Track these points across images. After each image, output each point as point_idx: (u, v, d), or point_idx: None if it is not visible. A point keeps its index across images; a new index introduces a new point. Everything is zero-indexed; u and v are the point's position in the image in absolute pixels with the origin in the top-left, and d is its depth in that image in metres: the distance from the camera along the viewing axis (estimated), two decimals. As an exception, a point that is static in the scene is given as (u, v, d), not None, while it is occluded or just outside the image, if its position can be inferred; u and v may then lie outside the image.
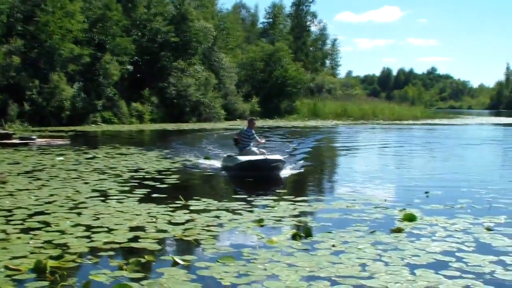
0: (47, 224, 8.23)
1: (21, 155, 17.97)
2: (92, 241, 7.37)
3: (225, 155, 15.88)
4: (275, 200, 10.58)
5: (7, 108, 31.38)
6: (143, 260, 6.55)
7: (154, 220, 8.68)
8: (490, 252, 7.13)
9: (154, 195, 10.98)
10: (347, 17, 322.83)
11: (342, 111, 57.80)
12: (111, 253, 6.88)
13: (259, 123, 42.57)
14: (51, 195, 10.69)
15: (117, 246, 7.19)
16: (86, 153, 18.84)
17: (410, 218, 8.99)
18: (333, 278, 6.01)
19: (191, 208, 9.72)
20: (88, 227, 8.08)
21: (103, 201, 10.18)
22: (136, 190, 11.48)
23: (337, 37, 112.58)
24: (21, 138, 22.52)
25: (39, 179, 12.75)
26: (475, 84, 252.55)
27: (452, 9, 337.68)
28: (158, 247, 7.19)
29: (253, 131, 15.55)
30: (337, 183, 14.53)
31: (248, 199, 10.73)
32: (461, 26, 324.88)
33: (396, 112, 61.73)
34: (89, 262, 6.51)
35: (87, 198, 10.44)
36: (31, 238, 7.44)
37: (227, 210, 9.60)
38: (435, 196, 11.47)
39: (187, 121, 41.70)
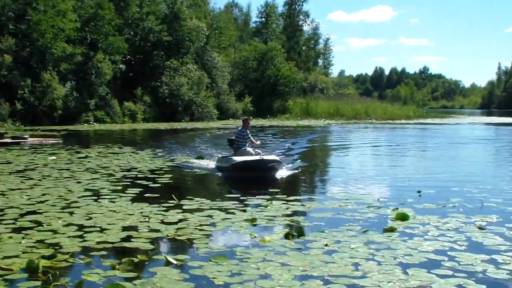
0: (39, 223, 8.20)
1: (13, 154, 17.90)
2: (85, 240, 7.35)
3: (219, 156, 15.63)
4: (268, 200, 10.58)
5: (-1, 107, 31.27)
6: (136, 260, 6.53)
7: (147, 219, 8.67)
8: (482, 251, 7.16)
9: (147, 194, 10.96)
10: (340, 17, 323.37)
11: (334, 110, 57.88)
12: (104, 252, 6.87)
13: (252, 122, 42.56)
14: (43, 194, 10.65)
15: (109, 245, 7.17)
16: (78, 152, 18.79)
17: (403, 217, 9.02)
18: (325, 278, 6.01)
19: (184, 207, 9.71)
20: (81, 227, 8.05)
21: (95, 200, 10.15)
22: (129, 189, 11.46)
23: (329, 37, 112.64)
24: (13, 138, 22.45)
25: (31, 178, 12.70)
26: (467, 83, 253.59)
27: (444, 9, 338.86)
28: (151, 246, 7.18)
29: (248, 131, 15.25)
30: (330, 183, 14.56)
31: (241, 198, 10.73)
32: (453, 26, 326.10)
33: (388, 111, 61.88)
34: (82, 261, 6.49)
35: (79, 197, 10.41)
36: (23, 238, 7.41)
37: (220, 209, 9.59)
38: (428, 196, 11.50)
39: (179, 121, 41.63)
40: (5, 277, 5.90)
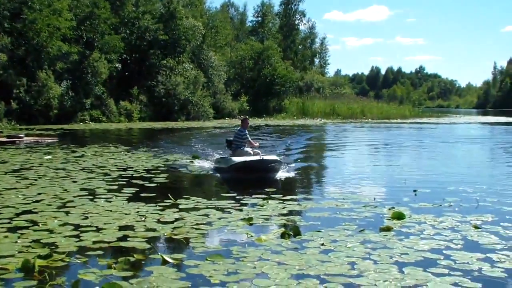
0: (35, 223, 8.19)
1: (9, 153, 17.85)
2: (81, 240, 7.34)
3: (217, 157, 15.42)
4: (264, 199, 10.59)
5: (-6, 106, 31.17)
6: (132, 259, 6.53)
7: (143, 219, 8.67)
8: (477, 250, 7.18)
9: (143, 194, 10.95)
10: (336, 16, 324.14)
11: (330, 110, 57.88)
12: (100, 252, 6.86)
13: (249, 122, 42.52)
14: (39, 193, 10.63)
15: (106, 245, 7.17)
16: (74, 151, 18.75)
17: (399, 216, 9.04)
18: (322, 277, 6.03)
19: (180, 206, 9.71)
20: (77, 226, 8.05)
21: (91, 200, 10.14)
22: (125, 189, 11.45)
23: (325, 36, 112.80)
24: (8, 137, 22.38)
25: (26, 178, 12.67)
26: (462, 83, 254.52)
27: (440, 9, 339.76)
28: (147, 246, 7.17)
29: (246, 131, 15.00)
30: (326, 182, 14.57)
31: (237, 197, 10.74)
32: (449, 26, 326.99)
33: (384, 111, 61.91)
34: (78, 261, 6.48)
35: (75, 197, 10.40)
36: (19, 237, 7.40)
37: (216, 208, 9.60)
38: (423, 195, 11.53)
39: (175, 120, 41.58)
40: (1, 276, 5.89)
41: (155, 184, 12.32)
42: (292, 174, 14.56)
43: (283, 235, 7.72)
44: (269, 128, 37.66)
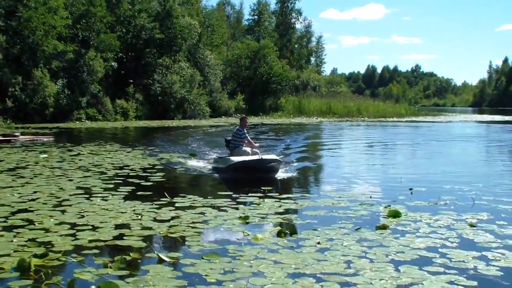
0: (31, 222, 8.17)
1: (4, 152, 17.81)
2: (77, 239, 7.33)
3: (215, 156, 15.21)
4: (260, 197, 10.59)
5: (-10, 105, 31.10)
6: (128, 258, 6.52)
7: (139, 217, 8.66)
8: (473, 248, 7.20)
9: (139, 192, 10.94)
10: (332, 15, 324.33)
11: (327, 108, 57.88)
12: (96, 251, 6.86)
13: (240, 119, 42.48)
14: (35, 192, 10.61)
15: (102, 244, 7.16)
16: (70, 150, 18.72)
17: (395, 214, 9.06)
18: (318, 275, 6.03)
19: (177, 205, 9.71)
20: (73, 225, 8.04)
21: (87, 198, 10.12)
22: (121, 187, 11.44)
23: (322, 35, 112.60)
24: (4, 135, 22.33)
25: (22, 176, 12.64)
26: (458, 82, 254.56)
27: (436, 8, 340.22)
28: (144, 244, 7.17)
29: (245, 130, 14.77)
30: (323, 181, 14.58)
31: (234, 196, 10.74)
32: (445, 25, 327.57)
33: (380, 109, 61.95)
34: (74, 260, 6.47)
35: (71, 195, 10.38)
36: (15, 236, 7.38)
37: (212, 207, 9.60)
38: (419, 193, 11.56)
39: (172, 118, 41.54)
40: (-3, 275, 5.88)
41: (151, 183, 12.31)
42: (292, 174, 14.39)
43: (279, 234, 7.72)
44: (265, 126, 37.62)
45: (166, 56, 43.87)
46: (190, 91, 43.17)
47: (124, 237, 7.47)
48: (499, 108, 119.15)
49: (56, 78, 35.05)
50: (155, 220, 8.52)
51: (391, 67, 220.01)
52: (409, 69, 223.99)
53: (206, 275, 5.98)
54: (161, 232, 7.82)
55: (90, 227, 7.94)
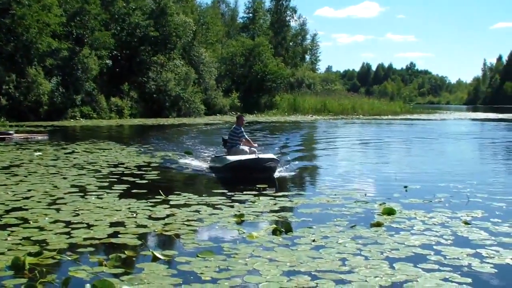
0: (25, 220, 8.14)
1: (-1, 150, 17.75)
2: (72, 237, 7.32)
3: (212, 155, 14.96)
4: (255, 195, 10.59)
5: (-16, 103, 30.97)
6: (123, 256, 6.51)
7: (134, 215, 8.65)
8: (467, 245, 7.22)
9: (134, 190, 10.92)
10: (327, 12, 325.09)
11: (321, 106, 57.93)
12: (91, 249, 6.84)
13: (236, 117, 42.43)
14: (29, 190, 10.58)
15: (97, 242, 7.15)
16: (64, 148, 18.67)
17: (390, 212, 9.08)
18: (313, 273, 6.04)
19: (171, 203, 9.70)
20: (68, 223, 8.01)
21: (82, 196, 10.10)
22: (116, 185, 11.42)
23: (316, 32, 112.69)
24: (-2, 133, 22.23)
25: (16, 174, 12.60)
26: (453, 79, 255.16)
27: (431, 6, 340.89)
28: (138, 242, 7.16)
29: (242, 129, 14.52)
30: (318, 178, 14.58)
31: (229, 194, 10.73)
32: (440, 23, 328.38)
33: (375, 107, 62.06)
34: (69, 258, 6.45)
35: (66, 193, 10.35)
36: (9, 235, 7.35)
37: (207, 205, 9.59)
38: (414, 191, 11.58)
39: (167, 116, 41.48)
40: (-9, 274, 5.87)
41: (146, 181, 12.29)
42: (288, 173, 14.18)
43: (274, 232, 7.72)
44: (259, 124, 37.61)
45: (160, 54, 43.79)
46: (185, 89, 43.11)
47: (119, 235, 7.46)
48: (493, 106, 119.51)
49: (50, 76, 34.94)
50: (150, 218, 8.50)
51: (386, 65, 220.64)
52: (404, 67, 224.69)
53: (201, 273, 5.98)
54: (156, 230, 7.81)
55: (85, 225, 7.93)
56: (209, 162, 14.97)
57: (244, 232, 7.75)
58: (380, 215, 9.02)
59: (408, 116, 57.36)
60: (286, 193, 11.04)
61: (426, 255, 6.77)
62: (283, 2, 79.12)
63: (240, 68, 54.73)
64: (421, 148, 23.49)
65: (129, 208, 9.14)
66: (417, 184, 12.38)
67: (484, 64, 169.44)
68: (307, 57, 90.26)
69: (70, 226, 7.87)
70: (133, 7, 43.30)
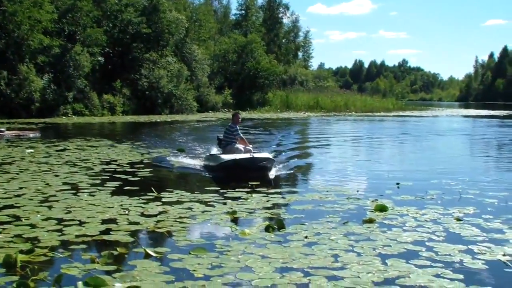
0: (17, 218, 8.12)
1: (-10, 147, 17.67)
2: (64, 234, 7.30)
3: (207, 154, 14.73)
4: (248, 192, 10.59)
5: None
6: (115, 253, 6.50)
7: (126, 212, 8.63)
8: (459, 242, 7.25)
9: (126, 187, 10.90)
10: (319, 9, 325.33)
11: (314, 103, 57.95)
12: (83, 246, 6.83)
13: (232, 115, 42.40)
14: (21, 188, 10.53)
15: (89, 239, 7.14)
16: (56, 145, 18.60)
17: (382, 208, 9.10)
18: (306, 269, 6.05)
19: (164, 200, 9.69)
20: (60, 221, 7.99)
21: (74, 194, 10.07)
22: (108, 182, 11.39)
23: (309, 29, 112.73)
24: (-11, 131, 22.13)
25: (8, 172, 12.55)
26: (445, 76, 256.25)
27: (423, 3, 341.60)
28: (131, 239, 7.15)
29: (238, 127, 14.25)
30: (310, 175, 14.59)
31: (221, 191, 10.72)
32: (432, 20, 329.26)
33: (368, 104, 62.14)
34: (61, 255, 6.44)
35: (58, 191, 10.32)
36: (0, 232, 7.32)
37: (199, 202, 9.59)
38: (406, 187, 11.61)
39: (159, 113, 41.39)
40: (-17, 271, 5.84)
41: (138, 178, 12.27)
42: (285, 172, 13.99)
43: (267, 229, 7.73)
44: (250, 121, 37.56)
45: (153, 51, 43.68)
46: (177, 86, 43.03)
47: (111, 232, 7.44)
48: (485, 102, 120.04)
49: (42, 73, 34.79)
50: (142, 215, 8.49)
51: (378, 62, 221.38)
52: (396, 64, 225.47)
53: (193, 270, 5.97)
54: (148, 227, 7.80)
55: (77, 223, 7.90)
56: (203, 160, 14.79)
57: (236, 229, 7.76)
58: (372, 211, 9.03)
59: (401, 113, 57.47)
60: (278, 190, 11.04)
61: (418, 252, 6.80)
62: (276, -1, 79.04)
63: (233, 65, 54.66)
64: (413, 145, 23.56)
65: (121, 205, 9.12)
66: (409, 181, 12.41)
67: (476, 61, 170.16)
68: (300, 54, 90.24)
69: (62, 223, 7.84)
70: (125, 4, 43.14)
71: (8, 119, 30.87)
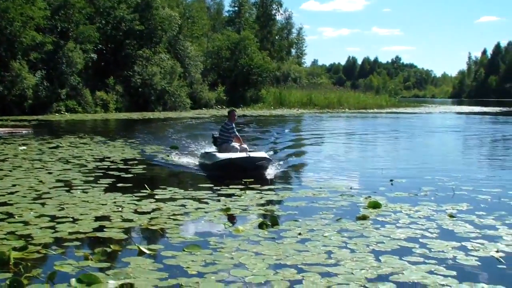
0: (10, 215, 8.08)
1: (-18, 145, 17.59)
2: (57, 231, 7.27)
3: (202, 152, 14.42)
4: (241, 189, 10.58)
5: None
6: (109, 250, 6.49)
7: (119, 209, 8.62)
8: (452, 238, 7.27)
9: (120, 184, 10.88)
10: (312, 6, 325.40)
11: (307, 100, 57.98)
12: (77, 243, 6.81)
13: (226, 112, 42.42)
14: (14, 185, 10.49)
15: (82, 236, 7.12)
16: (49, 142, 18.54)
17: (375, 205, 9.11)
18: (299, 266, 6.05)
19: (157, 197, 9.67)
20: (53, 218, 7.97)
21: (67, 191, 10.04)
22: (101, 179, 11.36)
23: (302, 26, 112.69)
24: (-19, 128, 22.03)
25: (1, 169, 12.50)
26: (438, 73, 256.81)
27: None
28: (124, 236, 7.14)
29: (234, 125, 13.86)
30: (304, 172, 14.59)
31: (215, 188, 10.72)
32: (425, 16, 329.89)
33: (361, 100, 62.22)
34: (54, 252, 6.42)
35: (51, 188, 10.29)
36: (-6, 229, 7.30)
37: (193, 199, 9.58)
38: (400, 184, 11.63)
39: (152, 110, 41.31)
40: (-25, 269, 5.82)
41: (131, 175, 12.25)
42: (281, 171, 13.78)
43: (260, 225, 7.72)
44: (243, 118, 37.55)
45: (146, 48, 43.55)
46: (170, 83, 42.95)
47: (105, 229, 7.43)
48: (478, 99, 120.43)
49: (35, 69, 34.64)
50: (135, 212, 8.47)
51: (372, 58, 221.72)
52: (389, 61, 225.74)
53: (187, 267, 5.97)
54: (142, 224, 7.78)
55: (70, 220, 7.88)
56: (198, 157, 14.54)
57: (230, 226, 7.76)
58: (365, 208, 9.05)
59: (394, 110, 57.59)
60: (272, 187, 11.05)
61: (411, 248, 6.81)
62: (269, -4, 78.92)
63: (226, 62, 54.59)
64: (407, 141, 23.62)
65: (114, 202, 9.10)
66: (402, 178, 12.43)
67: (469, 57, 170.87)
68: (293, 50, 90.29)
69: (55, 220, 7.82)
70: (118, 0, 42.98)
71: (0, 116, 30.72)
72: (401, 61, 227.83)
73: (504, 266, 6.27)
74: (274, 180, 12.39)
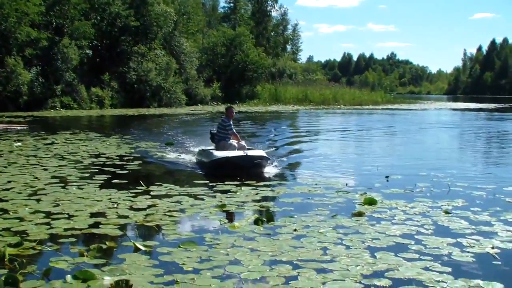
0: (5, 211, 8.07)
1: (-23, 141, 17.53)
2: (52, 228, 7.26)
3: (200, 149, 14.18)
4: (237, 185, 10.58)
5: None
6: (104, 246, 6.48)
7: (115, 205, 8.61)
8: (448, 235, 7.29)
9: (115, 181, 10.87)
10: (308, 2, 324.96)
11: (303, 96, 57.95)
12: (72, 239, 6.80)
13: (221, 108, 42.39)
14: (9, 181, 10.47)
15: (78, 232, 7.11)
16: (45, 138, 18.50)
17: (371, 202, 9.12)
18: (295, 262, 6.06)
19: (153, 193, 9.67)
20: (48, 214, 7.95)
21: (63, 187, 10.02)
22: (97, 176, 11.35)
23: (298, 22, 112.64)
24: (-24, 124, 21.96)
25: (-4, 165, 12.47)
26: (433, 69, 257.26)
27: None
28: (120, 233, 7.14)
29: (231, 122, 13.62)
30: (299, 168, 14.58)
31: (210, 184, 10.71)
32: (420, 13, 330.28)
33: (356, 97, 62.20)
34: (49, 249, 6.41)
35: (46, 184, 10.27)
36: (-11, 226, 7.28)
37: (189, 195, 9.57)
38: (395, 180, 11.64)
39: (148, 106, 41.22)
40: (-30, 265, 5.80)
41: (127, 171, 12.23)
42: (279, 169, 13.60)
43: (256, 222, 7.73)
44: (238, 114, 37.52)
45: (141, 44, 43.46)
46: (166, 79, 42.86)
47: (100, 226, 7.42)
48: (473, 96, 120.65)
49: (30, 66, 34.55)
50: (131, 208, 8.47)
51: (367, 55, 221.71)
52: (385, 57, 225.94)
53: (182, 264, 5.97)
54: (137, 221, 7.78)
55: (66, 216, 7.87)
56: (195, 155, 14.36)
57: (226, 222, 7.76)
58: (361, 205, 9.06)
59: (389, 106, 57.62)
60: (267, 183, 11.05)
61: (407, 245, 6.82)
62: (265, -8, 78.74)
63: (222, 58, 54.51)
64: (402, 138, 23.64)
65: (110, 199, 9.09)
66: (398, 174, 12.45)
67: (464, 54, 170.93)
68: (288, 47, 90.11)
69: (50, 216, 7.81)
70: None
71: (-5, 112, 30.63)
72: (397, 58, 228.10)
73: (499, 262, 6.29)
74: (269, 176, 12.40)
